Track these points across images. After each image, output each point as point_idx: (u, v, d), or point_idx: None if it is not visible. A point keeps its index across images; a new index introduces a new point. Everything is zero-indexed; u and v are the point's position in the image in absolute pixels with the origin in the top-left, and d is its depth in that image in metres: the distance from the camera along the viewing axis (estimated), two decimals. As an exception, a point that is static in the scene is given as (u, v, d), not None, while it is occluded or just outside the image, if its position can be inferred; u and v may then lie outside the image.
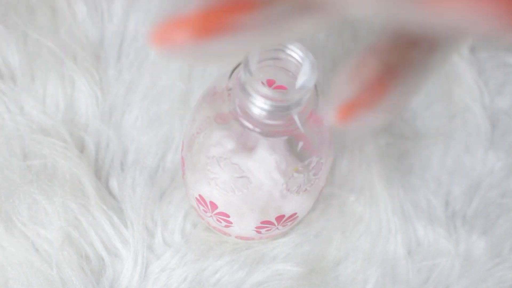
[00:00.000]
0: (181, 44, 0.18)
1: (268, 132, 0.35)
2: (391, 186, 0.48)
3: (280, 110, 0.33)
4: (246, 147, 0.37)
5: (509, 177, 0.50)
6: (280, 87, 0.37)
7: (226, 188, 0.38)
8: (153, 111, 0.49)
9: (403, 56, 0.20)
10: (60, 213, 0.44)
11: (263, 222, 0.40)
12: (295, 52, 0.34)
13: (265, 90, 0.32)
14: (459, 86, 0.52)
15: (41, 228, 0.44)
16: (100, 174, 0.47)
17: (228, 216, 0.40)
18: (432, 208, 0.48)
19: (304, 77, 0.33)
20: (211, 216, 0.41)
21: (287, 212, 0.40)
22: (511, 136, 0.51)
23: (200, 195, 0.40)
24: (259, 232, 0.42)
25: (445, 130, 0.50)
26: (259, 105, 0.33)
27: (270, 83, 0.37)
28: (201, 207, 0.41)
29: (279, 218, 0.40)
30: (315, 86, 0.35)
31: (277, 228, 0.41)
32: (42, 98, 0.48)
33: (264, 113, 0.33)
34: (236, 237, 0.44)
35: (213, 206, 0.40)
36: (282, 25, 0.19)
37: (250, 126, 0.35)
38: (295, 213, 0.41)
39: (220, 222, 0.41)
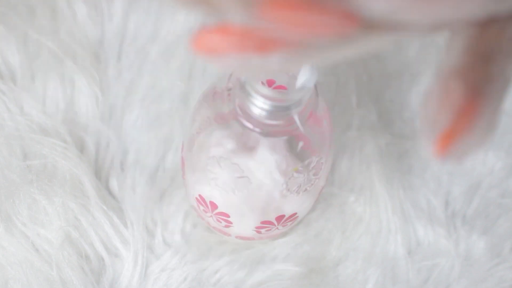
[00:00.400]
0: (224, 55, 0.18)
1: (268, 132, 0.35)
2: (391, 186, 0.48)
3: (280, 110, 0.33)
4: (246, 147, 0.37)
5: (509, 177, 0.50)
6: (280, 87, 0.37)
7: (226, 188, 0.38)
8: (153, 111, 0.49)
9: (484, 73, 0.20)
10: (60, 213, 0.44)
11: (263, 222, 0.40)
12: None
13: (265, 90, 0.32)
14: (459, 86, 0.52)
15: (41, 228, 0.44)
16: (100, 174, 0.47)
17: (228, 216, 0.40)
18: (432, 208, 0.48)
19: (304, 77, 0.33)
20: (211, 216, 0.41)
21: (287, 212, 0.40)
22: (511, 136, 0.51)
23: (200, 195, 0.40)
24: (259, 232, 0.42)
25: (445, 130, 0.50)
26: (259, 105, 0.33)
27: (270, 83, 0.37)
28: (201, 207, 0.41)
29: (279, 218, 0.40)
30: (315, 86, 0.35)
31: (277, 228, 0.41)
32: (42, 98, 0.48)
33: (264, 113, 0.33)
34: (236, 237, 0.44)
35: (213, 206, 0.40)
36: (328, 48, 0.18)
37: (250, 126, 0.35)
38: (295, 213, 0.41)
39: (220, 222, 0.41)
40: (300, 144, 0.38)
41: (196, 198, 0.41)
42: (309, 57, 0.18)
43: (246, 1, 0.16)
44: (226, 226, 0.42)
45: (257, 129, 0.35)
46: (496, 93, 0.20)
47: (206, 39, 0.18)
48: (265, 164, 0.37)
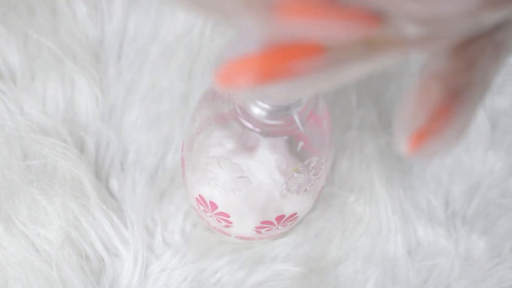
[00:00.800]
0: (244, 88, 0.19)
1: (268, 132, 0.35)
2: (391, 186, 0.48)
3: (280, 110, 0.33)
4: (246, 147, 0.37)
5: (509, 177, 0.50)
6: (280, 87, 0.37)
7: (226, 188, 0.38)
8: (153, 111, 0.49)
9: (466, 79, 0.20)
10: (60, 213, 0.44)
11: (263, 222, 0.40)
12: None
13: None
14: (459, 86, 0.52)
15: (41, 228, 0.44)
16: (100, 174, 0.47)
17: (228, 216, 0.40)
18: (432, 208, 0.48)
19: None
20: (211, 216, 0.41)
21: (287, 212, 0.40)
22: (511, 136, 0.51)
23: (200, 195, 0.40)
24: (259, 232, 0.42)
25: (445, 130, 0.50)
26: (259, 105, 0.33)
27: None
28: (201, 207, 0.41)
29: (279, 218, 0.40)
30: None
31: (277, 228, 0.41)
32: (42, 98, 0.48)
33: (264, 113, 0.33)
34: (236, 237, 0.44)
35: (213, 206, 0.40)
36: (344, 70, 0.19)
37: (250, 126, 0.35)
38: (295, 213, 0.41)
39: (220, 222, 0.41)
40: (300, 144, 0.38)
41: (196, 198, 0.41)
42: (319, 83, 0.19)
43: (260, 9, 0.17)
44: (226, 226, 0.42)
45: (257, 129, 0.35)
46: (474, 97, 0.21)
47: (229, 73, 0.18)
48: (265, 164, 0.37)
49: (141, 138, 0.48)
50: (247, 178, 0.37)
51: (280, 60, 0.18)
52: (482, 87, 0.21)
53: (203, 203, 0.40)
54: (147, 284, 0.44)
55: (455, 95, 0.20)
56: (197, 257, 0.45)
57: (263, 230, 0.41)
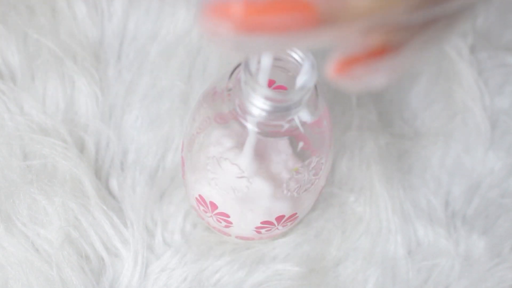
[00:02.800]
0: (224, 37, 0.19)
1: (268, 133, 0.35)
2: (391, 186, 0.47)
3: (280, 110, 0.33)
4: (246, 147, 0.37)
5: (509, 177, 0.50)
6: (280, 87, 0.37)
7: (226, 188, 0.38)
8: (153, 111, 0.49)
9: (411, 37, 0.20)
10: (60, 213, 0.44)
11: (263, 222, 0.40)
12: (295, 52, 0.34)
13: (265, 90, 0.32)
14: (459, 86, 0.52)
15: (41, 228, 0.44)
16: (100, 174, 0.47)
17: (228, 216, 0.40)
18: (432, 208, 0.48)
19: (304, 77, 0.33)
20: (211, 216, 0.41)
21: (287, 212, 0.40)
22: (511, 136, 0.51)
23: (200, 195, 0.40)
24: (259, 232, 0.42)
25: (445, 130, 0.50)
26: (259, 105, 0.33)
27: (270, 83, 0.37)
28: (201, 207, 0.41)
29: (279, 218, 0.40)
30: (315, 86, 0.35)
31: (277, 228, 0.41)
32: (42, 98, 0.48)
33: (264, 113, 0.33)
34: (236, 237, 0.44)
35: (213, 206, 0.40)
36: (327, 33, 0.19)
37: (250, 126, 0.34)
38: (295, 213, 0.41)
39: (220, 222, 0.41)
40: (300, 144, 0.38)
41: (196, 198, 0.41)
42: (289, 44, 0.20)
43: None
44: (226, 226, 0.42)
45: (257, 130, 0.35)
46: (415, 54, 0.21)
47: (211, 17, 0.19)
48: (265, 164, 0.37)
49: (141, 138, 0.48)
50: (247, 178, 0.37)
51: (265, 11, 0.18)
52: (427, 43, 0.21)
53: (203, 203, 0.40)
54: (147, 284, 0.44)
55: (395, 46, 0.20)
56: (197, 257, 0.45)
57: (263, 230, 0.41)
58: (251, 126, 0.34)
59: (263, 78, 0.33)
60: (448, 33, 0.21)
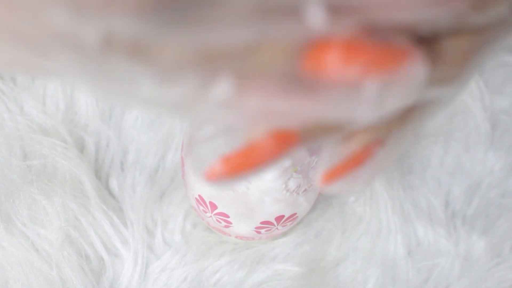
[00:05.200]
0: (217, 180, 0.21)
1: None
2: (391, 186, 0.48)
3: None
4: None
5: (509, 177, 0.50)
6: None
7: (226, 188, 0.38)
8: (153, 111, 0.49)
9: (392, 130, 0.21)
10: (60, 213, 0.44)
11: (262, 222, 0.40)
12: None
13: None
14: (459, 86, 0.52)
15: (41, 228, 0.44)
16: (100, 174, 0.47)
17: (228, 216, 0.40)
18: (432, 208, 0.48)
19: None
20: (211, 216, 0.41)
21: (287, 212, 0.40)
22: (511, 136, 0.51)
23: (200, 195, 0.40)
24: (259, 232, 0.42)
25: (445, 130, 0.50)
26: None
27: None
28: (201, 207, 0.41)
29: (279, 218, 0.40)
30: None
31: (277, 228, 0.41)
32: (42, 98, 0.48)
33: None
34: (236, 237, 0.44)
35: (213, 206, 0.40)
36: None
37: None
38: (295, 213, 0.41)
39: (220, 222, 0.41)
40: (300, 144, 0.38)
41: (196, 198, 0.41)
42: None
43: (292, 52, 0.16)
44: (226, 226, 0.42)
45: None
46: (397, 142, 0.21)
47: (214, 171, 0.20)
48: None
49: (141, 138, 0.48)
50: (247, 178, 0.37)
51: (252, 156, 0.20)
52: (408, 134, 0.21)
53: (203, 203, 0.40)
54: (147, 284, 0.44)
55: (378, 142, 0.21)
56: (197, 257, 0.45)
57: (262, 230, 0.41)
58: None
59: None
60: (425, 120, 0.21)
